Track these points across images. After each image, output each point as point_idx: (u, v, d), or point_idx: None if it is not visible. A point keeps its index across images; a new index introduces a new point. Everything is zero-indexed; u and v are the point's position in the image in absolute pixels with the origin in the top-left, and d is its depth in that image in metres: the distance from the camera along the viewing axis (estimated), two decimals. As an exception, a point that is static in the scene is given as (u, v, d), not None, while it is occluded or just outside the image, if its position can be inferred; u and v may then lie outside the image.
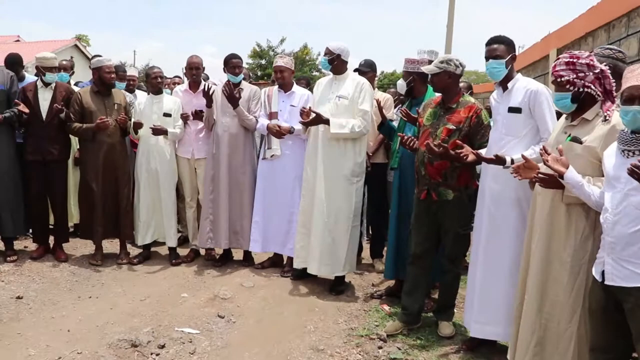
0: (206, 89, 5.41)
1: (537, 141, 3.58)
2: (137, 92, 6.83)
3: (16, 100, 5.42)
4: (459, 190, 4.06)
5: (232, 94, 5.37)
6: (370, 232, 6.45)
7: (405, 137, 4.21)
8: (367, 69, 5.64)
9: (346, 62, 5.04)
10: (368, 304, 4.90)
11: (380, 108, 5.04)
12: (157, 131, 5.54)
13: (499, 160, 3.57)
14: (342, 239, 4.98)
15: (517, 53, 3.83)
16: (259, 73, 33.21)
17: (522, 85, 3.67)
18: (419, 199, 4.20)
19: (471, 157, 3.70)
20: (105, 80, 5.65)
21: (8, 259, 5.57)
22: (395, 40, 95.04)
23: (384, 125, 5.13)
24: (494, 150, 3.66)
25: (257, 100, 5.64)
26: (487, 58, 3.74)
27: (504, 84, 3.75)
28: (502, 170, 3.62)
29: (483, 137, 3.96)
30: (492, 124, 4.00)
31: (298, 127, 5.28)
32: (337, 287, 5.12)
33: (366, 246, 6.27)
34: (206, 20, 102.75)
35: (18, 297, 4.66)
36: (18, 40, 29.93)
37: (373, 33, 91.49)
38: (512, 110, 3.66)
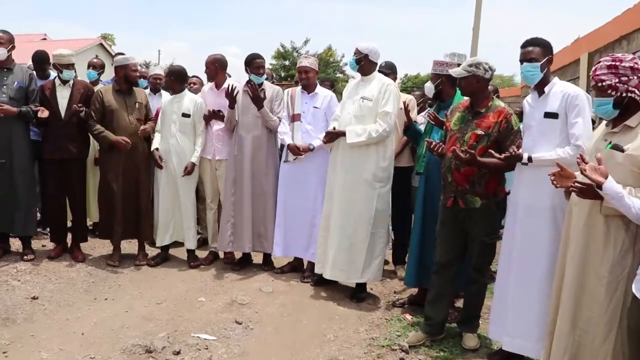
0: (230, 90, 5.31)
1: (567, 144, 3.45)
2: (163, 92, 6.77)
3: (39, 107, 5.35)
4: (487, 197, 3.91)
5: (257, 95, 5.28)
6: (393, 238, 6.30)
7: (433, 143, 4.07)
8: (388, 71, 5.51)
9: (375, 64, 4.92)
10: (390, 312, 4.77)
11: (407, 111, 4.90)
12: (190, 172, 5.54)
13: (514, 157, 3.51)
14: (360, 245, 4.83)
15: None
16: (283, 74, 33.29)
17: (559, 89, 3.52)
18: (445, 206, 4.07)
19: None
20: (131, 78, 5.62)
21: (25, 257, 5.51)
22: (420, 43, 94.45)
23: (410, 129, 4.98)
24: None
25: (279, 100, 5.54)
26: (521, 61, 3.64)
27: (539, 88, 3.61)
28: (535, 178, 3.50)
29: (513, 143, 3.79)
30: (521, 129, 3.86)
31: (317, 143, 5.22)
32: (358, 295, 4.99)
33: (388, 252, 6.11)
34: (230, 20, 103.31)
35: (33, 298, 4.60)
36: (45, 39, 30.26)
37: (397, 34, 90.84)
38: (548, 115, 3.52)
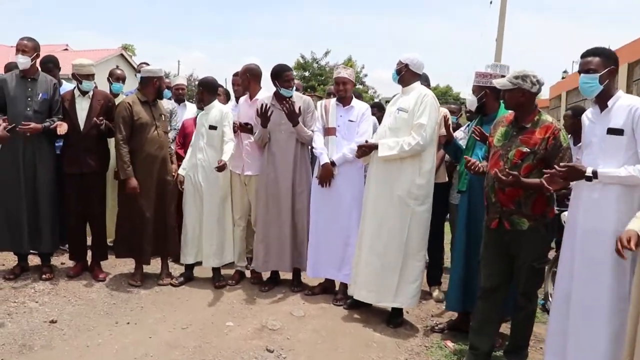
0: (263, 109, 5.05)
1: (634, 162, 3.15)
2: (187, 103, 6.65)
3: (59, 122, 5.14)
4: (534, 219, 3.60)
5: (292, 111, 5.03)
6: (427, 257, 5.99)
7: (471, 162, 3.78)
8: (423, 83, 5.19)
9: (416, 75, 4.62)
10: (429, 338, 4.46)
11: (447, 125, 4.59)
12: (221, 168, 5.12)
13: (575, 170, 3.18)
14: (392, 265, 4.53)
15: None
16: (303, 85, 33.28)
17: (625, 103, 3.23)
18: (489, 228, 3.76)
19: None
20: (162, 89, 5.46)
21: (43, 276, 5.26)
22: (441, 54, 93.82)
23: (451, 144, 4.67)
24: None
25: (311, 113, 5.29)
26: (579, 72, 3.36)
27: (601, 102, 3.33)
28: (597, 200, 3.23)
29: (562, 161, 3.47)
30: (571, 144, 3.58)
31: (337, 157, 4.99)
32: (394, 320, 4.67)
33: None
34: (250, 31, 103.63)
35: (52, 321, 4.34)
36: (66, 49, 30.42)
37: (417, 46, 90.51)
38: (611, 131, 3.23)
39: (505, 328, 4.20)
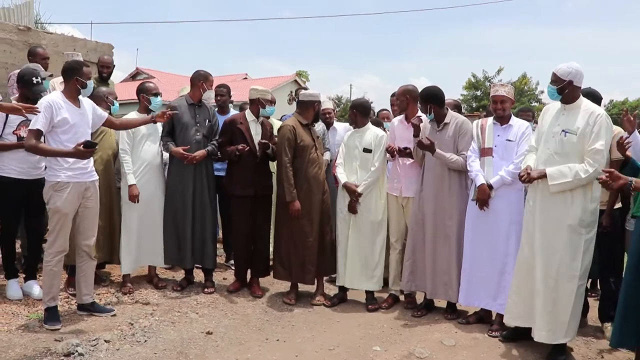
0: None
1: None
2: (336, 124, 6.75)
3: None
4: None
5: (420, 143, 4.95)
6: (599, 289, 5.44)
7: None
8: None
9: (579, 88, 4.21)
10: (597, 382, 4.00)
11: (623, 147, 4.12)
12: (354, 203, 5.34)
13: None
14: (565, 300, 4.13)
15: None
16: (474, 104, 32.61)
17: None
18: None
19: None
20: (320, 112, 5.65)
21: (206, 290, 5.58)
22: (631, 65, 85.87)
23: (627, 166, 4.18)
24: None
25: (464, 136, 5.03)
26: None
27: None
28: None
29: None
30: None
31: (495, 181, 4.72)
32: (557, 356, 4.25)
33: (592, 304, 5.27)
34: (423, 51, 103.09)
35: (208, 333, 4.55)
36: (245, 78, 32.46)
37: (599, 58, 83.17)
38: None
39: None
